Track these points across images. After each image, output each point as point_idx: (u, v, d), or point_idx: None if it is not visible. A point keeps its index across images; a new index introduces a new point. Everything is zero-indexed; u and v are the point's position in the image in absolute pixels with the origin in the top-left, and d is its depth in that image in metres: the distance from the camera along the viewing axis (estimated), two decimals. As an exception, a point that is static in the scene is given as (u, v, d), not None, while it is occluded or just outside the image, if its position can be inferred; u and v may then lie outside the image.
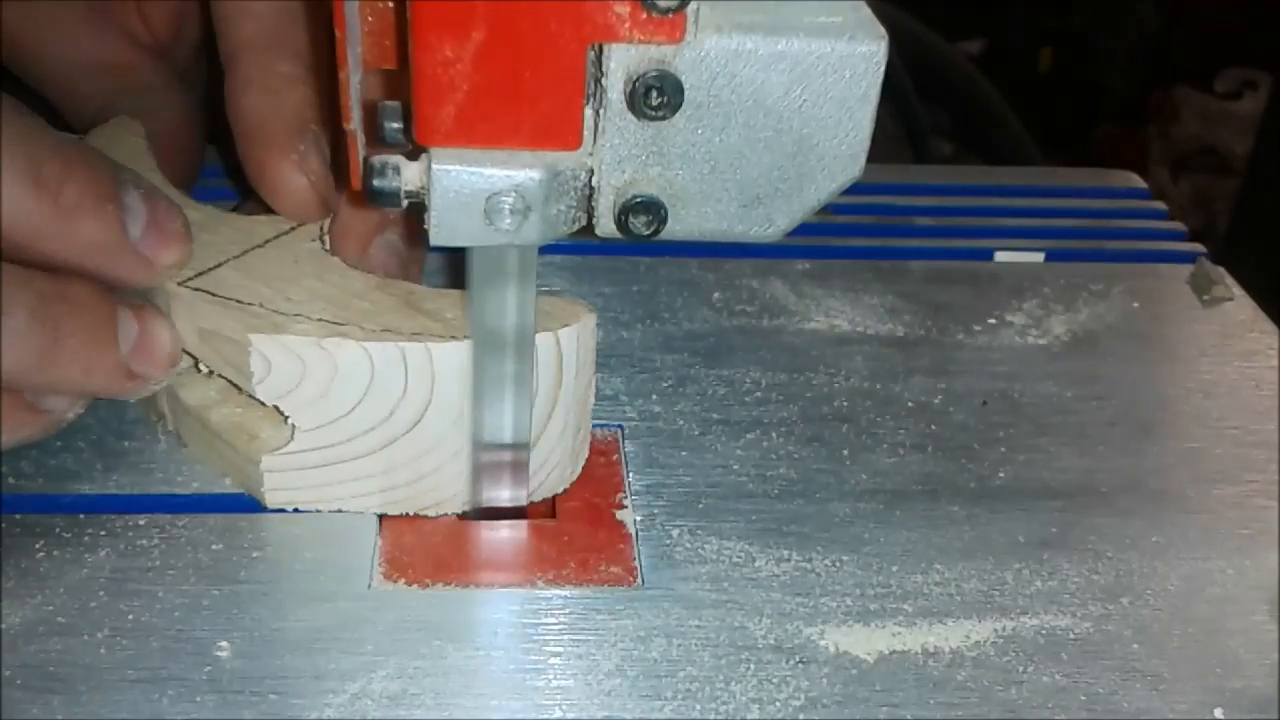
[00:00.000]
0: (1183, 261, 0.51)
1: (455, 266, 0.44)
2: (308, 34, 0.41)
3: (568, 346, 0.35)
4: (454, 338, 0.34)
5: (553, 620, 0.34)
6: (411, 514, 0.36)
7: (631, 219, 0.31)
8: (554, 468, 0.37)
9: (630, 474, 0.39)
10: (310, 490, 0.36)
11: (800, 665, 0.33)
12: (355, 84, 0.31)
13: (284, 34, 0.40)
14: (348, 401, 0.34)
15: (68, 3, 0.46)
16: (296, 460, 0.35)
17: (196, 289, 0.36)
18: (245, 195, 0.44)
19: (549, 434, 0.36)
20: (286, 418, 0.35)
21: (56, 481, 0.37)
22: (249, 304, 0.35)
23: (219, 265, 0.37)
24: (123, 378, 0.35)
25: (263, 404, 0.35)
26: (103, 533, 0.35)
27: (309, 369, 0.34)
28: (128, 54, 0.46)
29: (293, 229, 0.39)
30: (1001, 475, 0.40)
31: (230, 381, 0.36)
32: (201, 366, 0.37)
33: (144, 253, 0.35)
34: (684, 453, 0.40)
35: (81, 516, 0.36)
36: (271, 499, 0.36)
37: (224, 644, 0.32)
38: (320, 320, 0.34)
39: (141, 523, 0.36)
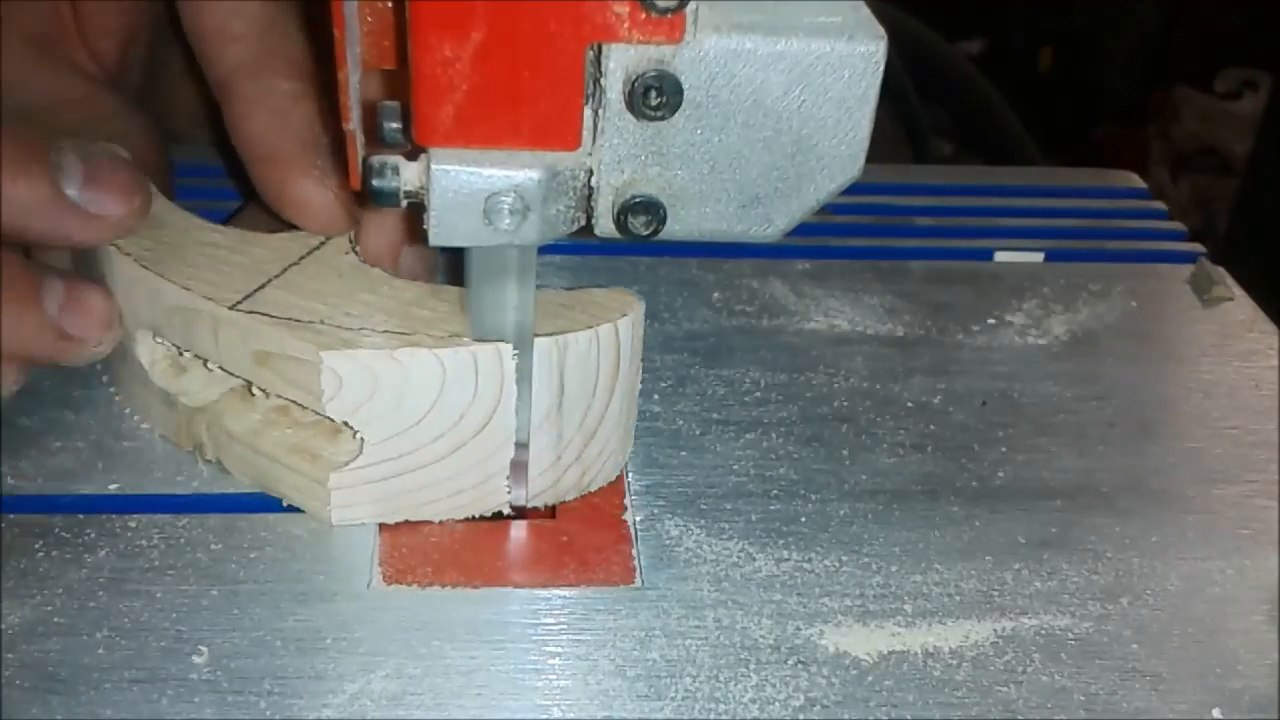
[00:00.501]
0: (1183, 261, 0.51)
1: (455, 266, 0.44)
2: (298, 44, 0.40)
3: (624, 336, 0.35)
4: None
5: (553, 620, 0.34)
6: (475, 517, 0.36)
7: (630, 219, 0.31)
8: (610, 455, 0.37)
9: (630, 474, 0.39)
10: (378, 504, 0.35)
11: (800, 665, 0.33)
12: (354, 84, 0.31)
13: (274, 50, 0.40)
14: (419, 410, 0.34)
15: (6, 46, 0.44)
16: (364, 475, 0.35)
17: (251, 311, 0.35)
18: (247, 197, 0.44)
19: (607, 422, 0.36)
20: (355, 432, 0.34)
21: (56, 481, 0.37)
22: (310, 322, 0.34)
23: (263, 286, 0.36)
24: (54, 337, 0.35)
25: (317, 422, 0.35)
26: (102, 533, 0.35)
27: (381, 382, 0.33)
28: (80, 88, 0.44)
29: (322, 243, 0.38)
30: (1001, 475, 0.40)
31: (294, 402, 0.35)
32: (254, 390, 0.36)
33: (89, 209, 0.35)
34: (684, 453, 0.40)
35: (81, 516, 0.36)
36: (338, 516, 0.36)
37: (203, 648, 0.32)
38: (386, 332, 0.34)
39: (141, 523, 0.36)
